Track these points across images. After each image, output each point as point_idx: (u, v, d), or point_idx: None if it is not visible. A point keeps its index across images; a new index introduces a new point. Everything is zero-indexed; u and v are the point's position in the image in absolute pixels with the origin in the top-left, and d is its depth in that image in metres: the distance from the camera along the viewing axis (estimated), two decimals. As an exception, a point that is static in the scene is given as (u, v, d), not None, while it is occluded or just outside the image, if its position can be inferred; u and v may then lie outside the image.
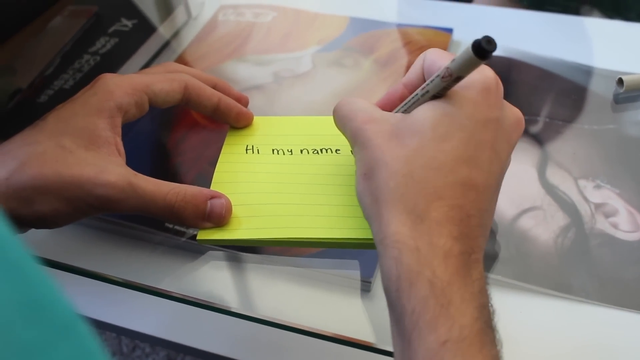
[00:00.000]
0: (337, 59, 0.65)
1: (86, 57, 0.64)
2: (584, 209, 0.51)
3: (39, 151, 0.40)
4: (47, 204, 0.39)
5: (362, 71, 0.64)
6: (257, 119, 0.50)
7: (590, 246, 0.49)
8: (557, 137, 0.57)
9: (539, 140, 0.56)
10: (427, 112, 0.36)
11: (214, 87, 0.49)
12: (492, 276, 0.47)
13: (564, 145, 0.56)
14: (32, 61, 0.63)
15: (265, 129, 0.49)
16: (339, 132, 0.41)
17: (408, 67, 0.63)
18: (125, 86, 0.44)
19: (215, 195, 0.42)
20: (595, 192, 0.52)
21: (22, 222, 0.40)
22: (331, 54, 0.66)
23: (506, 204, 0.51)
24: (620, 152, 0.55)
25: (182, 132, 0.58)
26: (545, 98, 0.60)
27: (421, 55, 0.41)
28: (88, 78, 0.62)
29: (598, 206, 0.51)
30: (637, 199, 0.52)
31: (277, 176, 0.46)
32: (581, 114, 0.59)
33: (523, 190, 0.52)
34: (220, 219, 0.42)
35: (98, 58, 0.64)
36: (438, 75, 0.36)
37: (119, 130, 0.43)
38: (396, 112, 0.40)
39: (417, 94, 0.38)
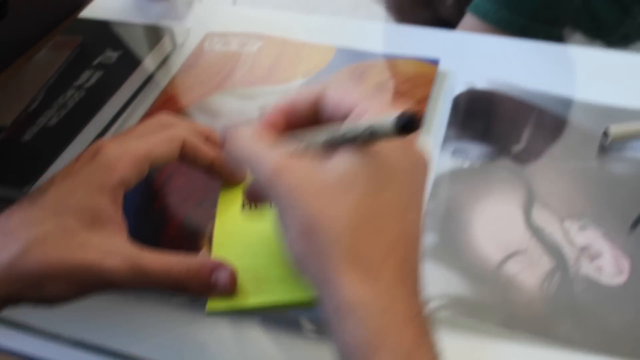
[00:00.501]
0: (324, 92, 0.65)
1: (70, 91, 0.64)
2: (569, 252, 0.52)
3: (42, 234, 0.39)
4: (52, 288, 0.39)
5: (348, 105, 0.63)
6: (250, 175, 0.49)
7: (575, 292, 0.49)
8: (542, 175, 0.57)
9: (524, 179, 0.57)
10: (356, 163, 0.34)
11: (207, 138, 0.49)
12: (479, 324, 0.48)
13: (549, 184, 0.56)
14: (17, 96, 0.63)
15: None
16: None
17: (395, 100, 0.63)
18: (127, 158, 0.43)
19: (219, 266, 0.41)
20: (580, 234, 0.53)
21: (24, 302, 0.40)
22: (317, 86, 0.66)
23: (493, 249, 0.52)
24: (605, 190, 0.56)
25: (168, 172, 0.58)
26: (530, 133, 0.61)
27: (314, 87, 0.39)
28: (73, 115, 0.62)
29: (583, 249, 0.52)
30: (621, 238, 0.52)
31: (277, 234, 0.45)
32: (567, 150, 0.59)
33: (509, 233, 0.53)
34: (225, 290, 0.41)
35: (83, 93, 0.64)
36: (356, 137, 0.34)
37: (121, 203, 0.43)
38: (298, 147, 0.37)
39: (326, 138, 0.36)
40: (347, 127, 0.34)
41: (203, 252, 0.52)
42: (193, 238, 0.53)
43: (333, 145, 0.35)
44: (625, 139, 0.58)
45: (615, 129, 0.58)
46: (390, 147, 0.35)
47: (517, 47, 0.71)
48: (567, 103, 0.63)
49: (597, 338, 0.47)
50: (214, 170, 0.48)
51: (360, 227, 0.33)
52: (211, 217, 0.54)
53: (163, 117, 0.48)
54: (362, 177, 0.34)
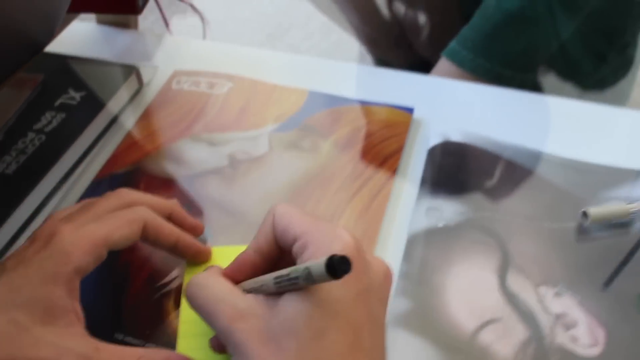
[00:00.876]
0: (295, 140, 0.63)
1: (31, 135, 0.61)
2: (544, 321, 0.50)
3: None
4: None
5: (320, 155, 0.62)
6: (215, 251, 0.47)
7: (550, 364, 0.48)
8: (518, 237, 0.56)
9: (500, 240, 0.55)
10: (296, 307, 0.33)
11: (170, 215, 0.46)
12: (451, 400, 0.46)
13: (524, 247, 0.55)
14: (-26, 141, 0.60)
15: (225, 261, 0.46)
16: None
17: (368, 151, 0.62)
18: (84, 245, 0.40)
19: None
20: (555, 301, 0.52)
21: None
22: (288, 134, 0.64)
23: (467, 317, 0.50)
24: (581, 254, 0.55)
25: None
26: (505, 191, 0.59)
27: (268, 217, 0.38)
28: (32, 161, 0.59)
29: (558, 317, 0.51)
30: (597, 307, 0.51)
31: None
32: (542, 209, 0.58)
33: (484, 299, 0.51)
34: None
35: (43, 137, 0.61)
36: (297, 280, 0.33)
37: (77, 292, 0.40)
38: (251, 288, 0.37)
39: (274, 280, 0.35)
40: (290, 269, 0.33)
41: (171, 319, 0.49)
42: (159, 298, 0.51)
43: (282, 288, 0.34)
44: (605, 220, 0.56)
45: (595, 212, 0.56)
46: (336, 282, 0.33)
47: (492, 94, 0.70)
48: (544, 158, 0.62)
49: (572, 416, 0.46)
50: (177, 252, 0.45)
51: None
52: (179, 273, 0.52)
53: (124, 194, 0.46)
54: (302, 322, 0.33)
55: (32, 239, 0.41)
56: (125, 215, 0.43)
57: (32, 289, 0.38)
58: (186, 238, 0.45)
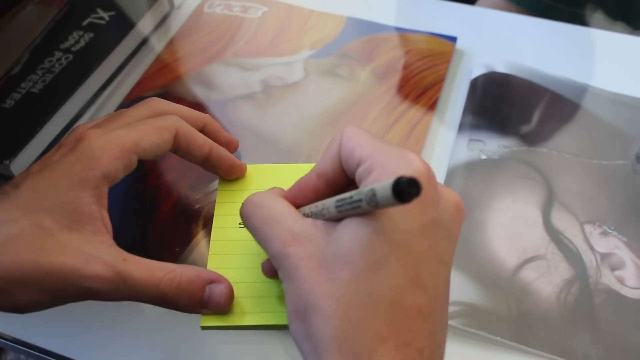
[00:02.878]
0: (331, 67, 0.61)
1: (57, 54, 0.58)
2: (589, 260, 0.48)
3: (14, 234, 0.34)
4: (24, 296, 0.34)
5: (358, 84, 0.59)
6: (250, 169, 0.44)
7: (595, 304, 0.46)
8: (564, 173, 0.53)
9: (545, 176, 0.53)
10: (355, 233, 0.30)
11: (204, 127, 0.44)
12: (490, 336, 0.44)
13: (570, 183, 0.52)
14: (-1, 58, 0.58)
15: (261, 180, 0.44)
16: None
17: (407, 80, 0.59)
18: (112, 149, 0.38)
19: (214, 280, 0.37)
20: (601, 240, 0.49)
21: None
22: (325, 60, 0.61)
23: (509, 253, 0.48)
24: (629, 192, 0.52)
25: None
26: (552, 126, 0.56)
27: (335, 139, 0.34)
28: (58, 80, 0.57)
29: (604, 256, 0.48)
30: (645, 248, 0.49)
31: None
32: (590, 146, 0.55)
33: (527, 236, 0.49)
34: (219, 307, 0.36)
35: (70, 57, 0.58)
36: (360, 204, 0.29)
37: (105, 200, 0.38)
38: (311, 212, 0.34)
39: (336, 204, 0.31)
40: (354, 192, 0.30)
41: (197, 240, 0.48)
42: (186, 222, 0.49)
43: (343, 213, 0.31)
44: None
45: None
46: (401, 210, 0.30)
47: (539, 26, 0.66)
48: (592, 93, 0.59)
49: (617, 358, 0.43)
50: (211, 164, 0.43)
51: (352, 308, 0.29)
52: (206, 199, 0.50)
53: (154, 102, 0.43)
54: (359, 250, 0.29)
55: (58, 146, 0.39)
56: (156, 122, 0.40)
57: (58, 193, 0.36)
58: (220, 150, 0.43)
